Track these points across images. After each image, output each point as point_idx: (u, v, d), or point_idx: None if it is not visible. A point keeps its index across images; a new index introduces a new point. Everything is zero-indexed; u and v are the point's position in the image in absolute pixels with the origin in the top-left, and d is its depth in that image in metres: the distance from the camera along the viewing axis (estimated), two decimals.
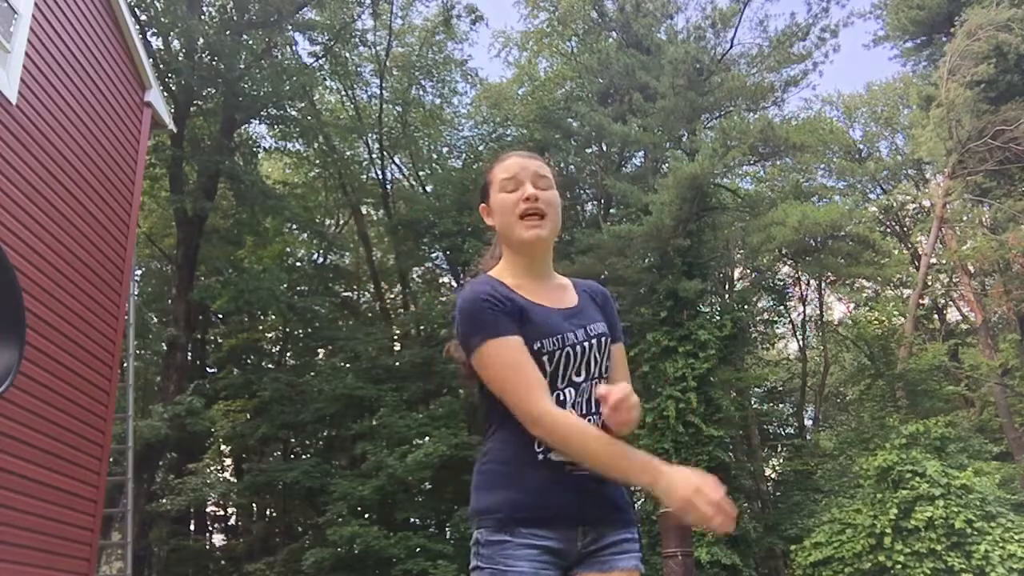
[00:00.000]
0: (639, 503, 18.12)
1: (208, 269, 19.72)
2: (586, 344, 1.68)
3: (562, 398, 1.65)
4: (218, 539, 22.56)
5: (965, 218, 19.77)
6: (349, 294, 23.71)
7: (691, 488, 1.41)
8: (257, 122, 19.97)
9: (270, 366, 21.63)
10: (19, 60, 5.80)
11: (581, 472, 1.59)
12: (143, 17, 16.16)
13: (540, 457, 1.60)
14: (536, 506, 1.58)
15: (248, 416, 18.41)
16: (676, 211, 15.29)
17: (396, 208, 21.69)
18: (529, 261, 1.75)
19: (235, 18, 17.39)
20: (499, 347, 1.60)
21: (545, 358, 1.63)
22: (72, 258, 6.36)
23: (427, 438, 15.87)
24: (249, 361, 21.88)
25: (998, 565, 10.45)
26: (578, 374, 1.67)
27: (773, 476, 20.71)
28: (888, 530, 11.29)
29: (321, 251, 22.75)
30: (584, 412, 1.66)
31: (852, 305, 24.07)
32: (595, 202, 21.78)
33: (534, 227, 1.70)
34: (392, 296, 23.64)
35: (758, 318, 22.55)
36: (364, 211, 22.42)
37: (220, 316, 21.23)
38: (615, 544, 1.64)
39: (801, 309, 23.54)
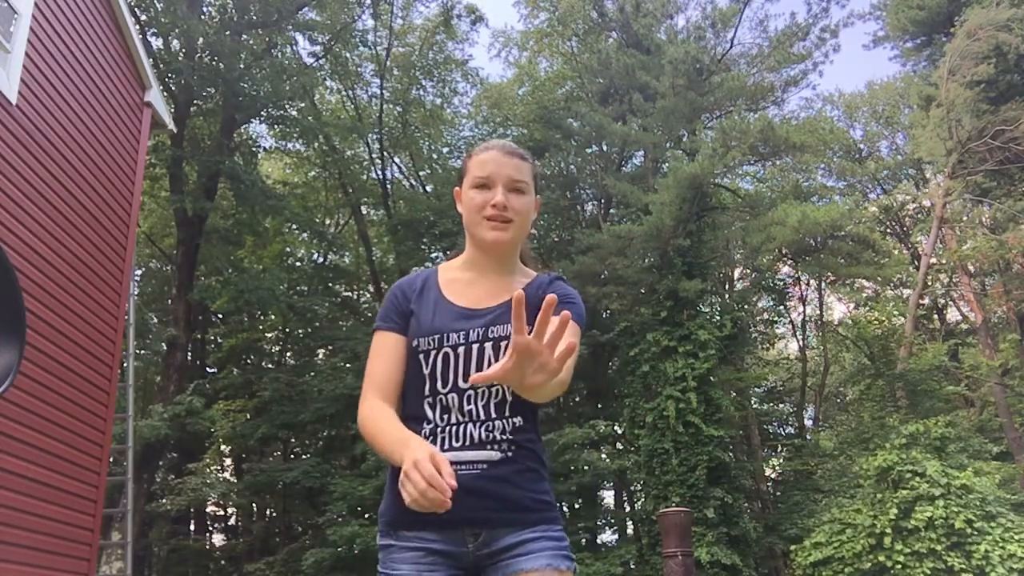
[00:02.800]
0: (639, 503, 18.14)
1: (208, 269, 19.74)
2: (475, 346, 1.61)
3: (445, 403, 1.61)
4: (218, 539, 22.57)
5: (965, 218, 19.78)
6: (349, 294, 23.71)
7: (408, 463, 1.32)
8: (257, 122, 19.96)
9: (270, 366, 21.64)
10: (19, 60, 5.79)
11: (468, 471, 1.55)
12: (143, 17, 16.15)
13: None
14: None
15: (248, 416, 18.42)
16: (676, 211, 15.30)
17: (396, 208, 21.69)
18: (485, 257, 1.72)
19: (235, 18, 17.38)
20: (375, 338, 1.70)
21: (421, 356, 1.63)
22: (72, 258, 6.36)
23: None
24: (249, 361, 21.89)
25: (998, 565, 10.45)
26: (465, 379, 1.61)
27: (773, 476, 20.73)
28: (888, 530, 11.29)
29: (321, 251, 22.76)
30: (472, 419, 1.60)
31: (852, 305, 24.09)
32: (595, 202, 21.80)
33: (497, 229, 1.66)
34: None
35: (758, 318, 22.58)
36: (364, 211, 22.42)
37: (220, 316, 21.24)
38: (516, 546, 1.56)
39: (801, 309, 23.58)
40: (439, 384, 1.62)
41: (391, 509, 1.61)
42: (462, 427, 1.60)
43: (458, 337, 1.62)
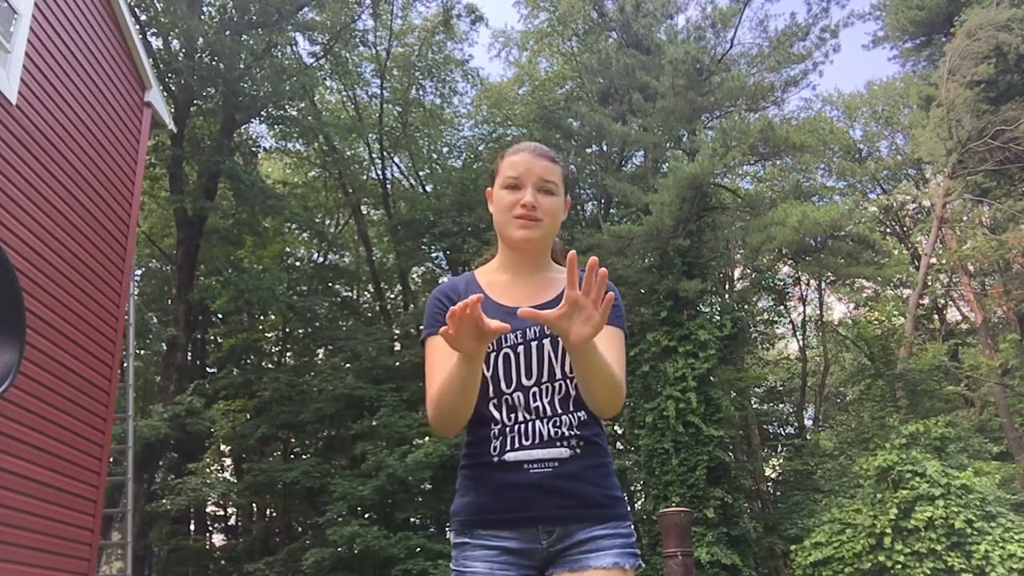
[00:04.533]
0: (639, 503, 18.15)
1: (208, 269, 19.72)
2: (534, 344, 1.63)
3: (510, 402, 1.63)
4: (218, 539, 22.58)
5: (965, 218, 19.78)
6: (349, 294, 23.71)
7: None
8: (257, 122, 19.97)
9: (270, 366, 21.64)
10: (19, 60, 5.79)
11: (541, 470, 1.59)
12: (143, 17, 16.16)
13: (495, 459, 1.61)
14: (491, 507, 1.60)
15: (248, 416, 18.42)
16: (676, 211, 15.30)
17: (396, 208, 21.69)
18: (517, 257, 1.75)
19: (235, 18, 17.38)
20: (428, 347, 1.69)
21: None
22: (72, 258, 6.36)
23: (427, 438, 15.88)
24: (249, 361, 21.89)
25: (998, 565, 10.45)
26: (528, 376, 1.63)
27: (773, 476, 20.73)
28: (888, 530, 11.29)
29: (321, 251, 22.76)
30: (539, 415, 1.62)
31: (852, 305, 24.09)
32: (595, 202, 21.79)
33: (525, 228, 1.69)
34: (392, 296, 23.66)
35: (758, 318, 22.56)
36: (364, 211, 22.42)
37: (220, 316, 21.24)
38: (587, 542, 1.58)
39: (801, 309, 23.58)
40: (503, 384, 1.64)
41: (466, 508, 1.64)
42: (529, 425, 1.62)
43: (515, 337, 1.64)
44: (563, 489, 1.59)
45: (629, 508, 19.52)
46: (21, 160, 5.78)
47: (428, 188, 22.44)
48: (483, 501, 1.61)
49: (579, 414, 1.64)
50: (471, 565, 1.58)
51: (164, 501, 15.60)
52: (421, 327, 1.86)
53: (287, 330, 22.04)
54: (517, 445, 1.61)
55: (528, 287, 1.74)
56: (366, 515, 16.20)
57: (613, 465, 1.72)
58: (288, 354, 22.56)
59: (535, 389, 1.63)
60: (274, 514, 21.24)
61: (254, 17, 17.41)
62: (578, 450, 1.62)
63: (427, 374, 1.66)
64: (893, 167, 24.02)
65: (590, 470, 1.62)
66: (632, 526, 1.68)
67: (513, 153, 1.76)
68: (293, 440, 20.55)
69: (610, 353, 1.60)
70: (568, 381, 1.64)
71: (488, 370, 1.63)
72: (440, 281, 23.07)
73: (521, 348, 1.64)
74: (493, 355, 1.64)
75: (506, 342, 1.64)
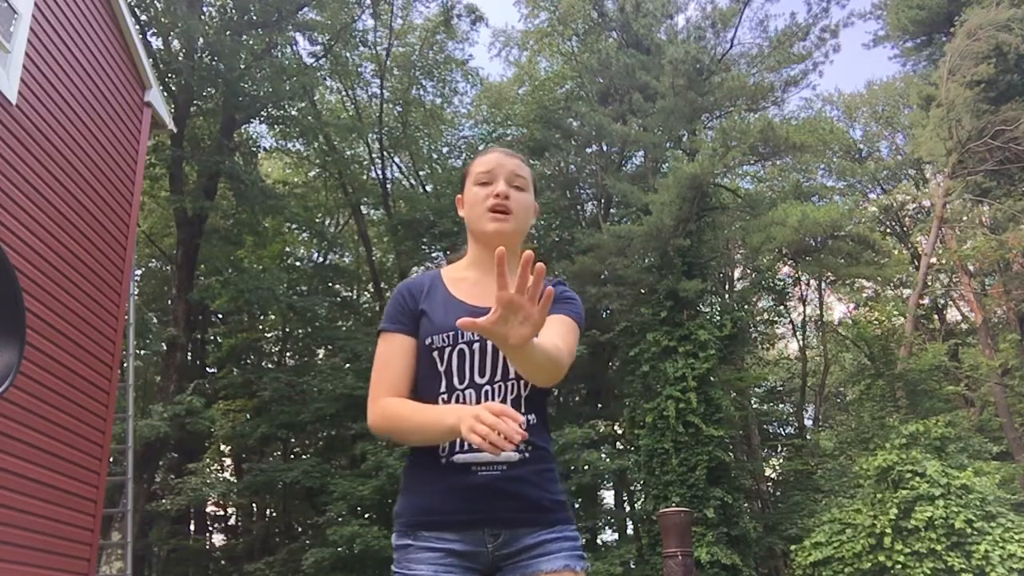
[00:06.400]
0: (639, 503, 18.14)
1: (208, 269, 19.72)
2: (490, 342, 1.58)
3: (461, 399, 1.61)
4: (218, 539, 22.56)
5: (965, 218, 19.78)
6: (349, 294, 23.71)
7: (470, 416, 1.37)
8: (257, 122, 19.97)
9: (270, 366, 21.63)
10: (19, 60, 5.79)
11: (489, 472, 1.57)
12: (143, 17, 16.16)
13: (443, 460, 1.59)
14: (437, 509, 1.58)
15: (248, 416, 18.42)
16: (676, 211, 15.31)
17: (396, 208, 21.69)
18: (487, 255, 1.71)
19: (235, 18, 17.37)
20: (382, 341, 1.70)
21: (435, 354, 1.63)
22: (72, 258, 6.36)
23: None
24: (249, 361, 21.89)
25: (998, 565, 10.45)
26: (481, 374, 1.61)
27: (773, 476, 20.74)
28: (888, 530, 11.29)
29: (321, 251, 22.75)
30: None
31: (852, 305, 24.09)
32: (595, 202, 21.79)
33: (498, 220, 1.68)
34: None
35: (758, 318, 22.57)
36: (364, 211, 22.42)
37: (220, 316, 21.24)
38: (535, 547, 1.57)
39: (801, 309, 23.58)
40: (456, 380, 1.62)
41: (411, 510, 1.61)
42: None
43: (472, 333, 1.61)
44: (511, 492, 1.57)
45: (629, 508, 19.53)
46: (21, 160, 5.78)
47: (428, 188, 22.44)
48: (429, 503, 1.59)
49: (529, 417, 1.62)
50: (415, 568, 1.55)
51: (164, 501, 15.59)
52: None
53: (287, 330, 22.04)
54: (466, 447, 1.57)
55: (492, 287, 1.73)
56: (366, 515, 16.19)
57: (557, 471, 1.70)
58: (288, 354, 22.56)
59: (487, 388, 1.61)
60: (274, 514, 21.24)
61: (254, 17, 17.40)
62: (526, 454, 1.60)
63: (376, 368, 1.67)
64: (893, 167, 24.03)
65: (538, 474, 1.61)
66: (577, 530, 1.66)
67: (483, 154, 1.78)
68: (293, 440, 20.54)
69: (554, 333, 1.57)
70: (520, 382, 1.63)
71: (442, 364, 1.62)
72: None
73: (477, 345, 1.62)
74: (448, 350, 1.62)
75: (462, 338, 1.62)
